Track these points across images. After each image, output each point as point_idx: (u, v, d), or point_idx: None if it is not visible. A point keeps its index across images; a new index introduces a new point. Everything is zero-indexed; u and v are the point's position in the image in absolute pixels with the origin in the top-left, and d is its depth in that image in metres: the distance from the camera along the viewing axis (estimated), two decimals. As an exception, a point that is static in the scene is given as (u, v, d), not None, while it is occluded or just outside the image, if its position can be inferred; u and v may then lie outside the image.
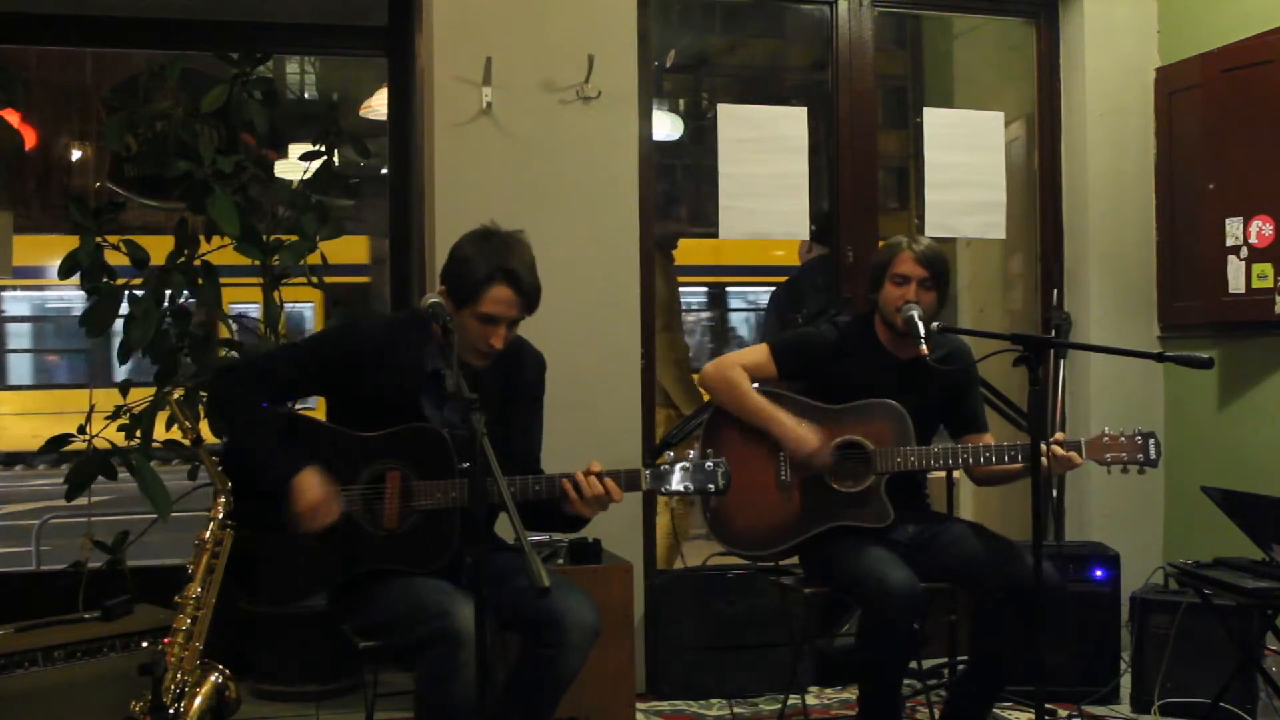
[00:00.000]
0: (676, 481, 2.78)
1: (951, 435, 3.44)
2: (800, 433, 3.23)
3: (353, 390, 2.84)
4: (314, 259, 4.24)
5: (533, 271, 2.81)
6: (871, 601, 3.07)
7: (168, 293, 4.07)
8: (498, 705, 2.67)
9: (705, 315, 15.73)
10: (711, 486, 2.78)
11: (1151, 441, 3.10)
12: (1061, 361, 4.72)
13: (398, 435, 2.80)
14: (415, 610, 2.65)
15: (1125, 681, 4.06)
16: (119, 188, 5.05)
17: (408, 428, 2.80)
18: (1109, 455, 3.10)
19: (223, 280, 4.16)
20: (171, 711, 2.78)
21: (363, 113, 6.06)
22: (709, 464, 2.79)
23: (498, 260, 2.75)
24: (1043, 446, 2.87)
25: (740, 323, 16.01)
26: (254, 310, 4.31)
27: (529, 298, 2.79)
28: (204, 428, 3.20)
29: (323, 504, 2.72)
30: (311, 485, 2.72)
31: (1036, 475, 2.82)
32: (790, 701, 3.85)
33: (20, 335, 15.38)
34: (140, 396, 4.06)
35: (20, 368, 15.35)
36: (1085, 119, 4.73)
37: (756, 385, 3.36)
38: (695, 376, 4.66)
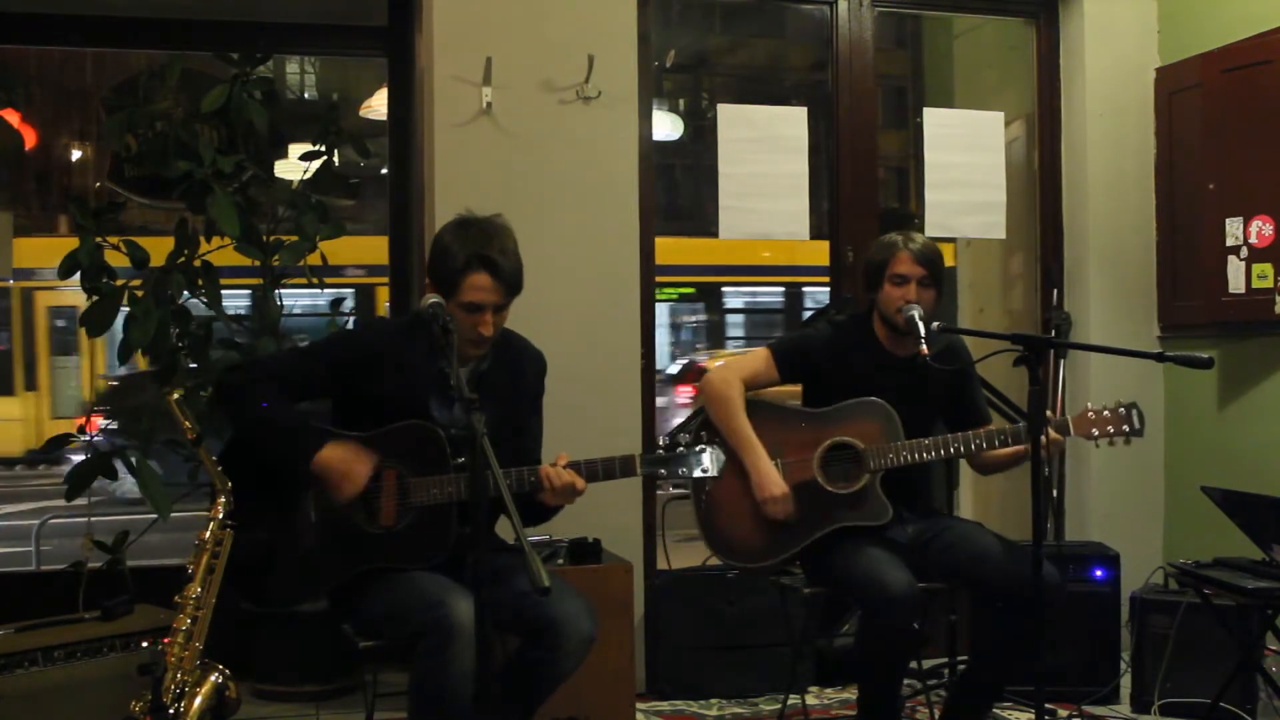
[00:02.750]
0: (670, 465, 2.79)
1: (952, 430, 3.44)
2: (770, 476, 3.22)
3: (360, 393, 2.85)
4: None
5: (510, 255, 2.80)
6: (871, 602, 3.07)
7: (168, 293, 4.07)
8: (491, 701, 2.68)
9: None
10: (704, 470, 2.78)
11: (1135, 412, 3.13)
12: (1061, 361, 4.72)
13: (392, 433, 2.80)
14: (412, 602, 2.66)
15: (1125, 681, 4.06)
16: (119, 188, 5.05)
17: (402, 425, 2.80)
18: (1095, 430, 3.13)
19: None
20: (171, 711, 2.77)
21: (363, 113, 6.05)
22: (701, 448, 2.79)
23: (473, 247, 2.76)
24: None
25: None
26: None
27: (508, 282, 2.79)
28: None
29: (353, 465, 2.73)
30: (335, 453, 2.74)
31: (1037, 476, 2.83)
32: (790, 701, 3.85)
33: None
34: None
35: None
36: (1085, 119, 4.73)
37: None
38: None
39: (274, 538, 2.85)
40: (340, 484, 2.74)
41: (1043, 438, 3.00)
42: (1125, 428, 3.12)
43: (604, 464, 2.80)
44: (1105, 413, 3.13)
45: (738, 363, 3.41)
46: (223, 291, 4.14)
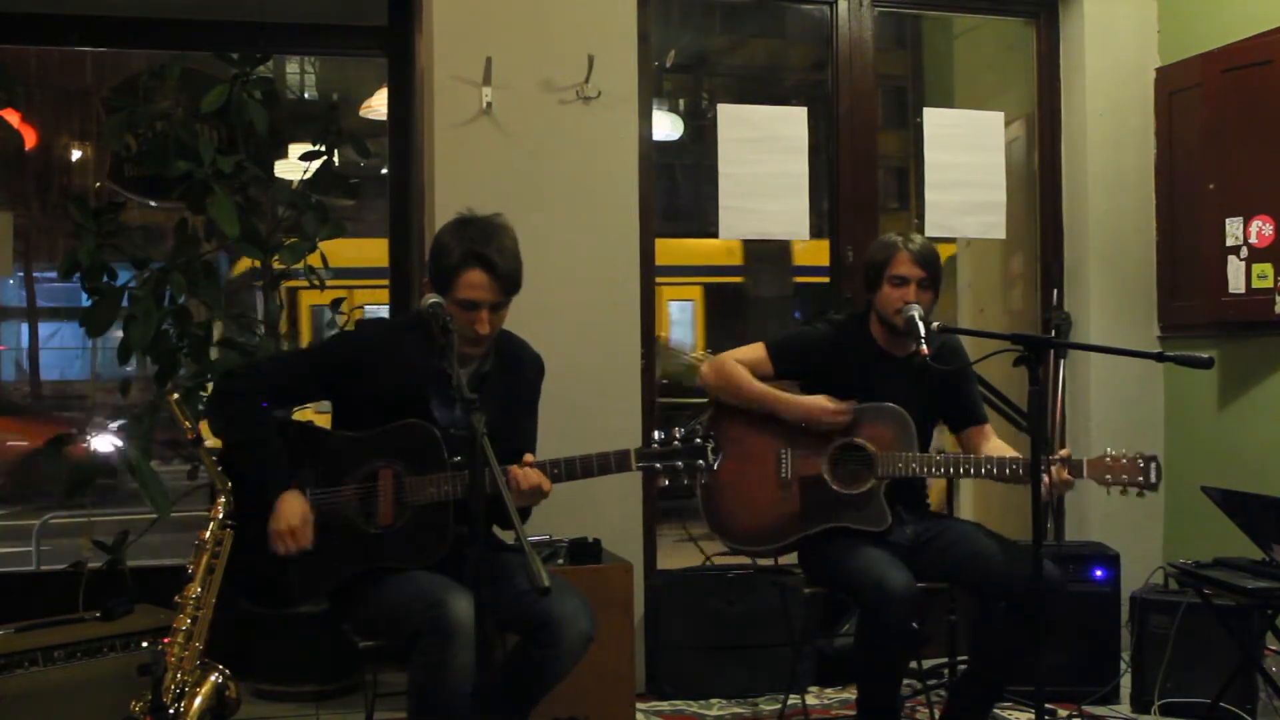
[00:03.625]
0: (666, 458, 2.77)
1: (952, 429, 3.45)
2: (811, 402, 3.24)
3: (359, 394, 2.85)
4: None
5: (508, 254, 2.80)
6: (869, 602, 3.07)
7: (168, 292, 4.07)
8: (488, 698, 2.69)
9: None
10: (701, 463, 2.77)
11: (1153, 465, 3.05)
12: (1061, 361, 4.72)
13: (387, 433, 2.81)
14: (411, 601, 2.67)
15: (1125, 681, 4.06)
16: (119, 188, 5.05)
17: (397, 425, 2.81)
18: (1109, 476, 3.07)
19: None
20: (171, 711, 2.77)
21: (363, 113, 6.05)
22: (698, 441, 2.77)
23: (469, 245, 2.76)
24: (1044, 461, 2.86)
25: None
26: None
27: (504, 280, 2.79)
28: (203, 427, 3.21)
29: (297, 530, 2.75)
30: (291, 510, 2.76)
31: (1036, 476, 2.82)
32: (790, 701, 3.85)
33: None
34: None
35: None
36: (1085, 119, 4.73)
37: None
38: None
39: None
40: (278, 537, 2.76)
41: (1050, 473, 3.00)
42: (1140, 479, 3.05)
43: (599, 459, 2.80)
44: (1124, 460, 3.06)
45: (733, 352, 3.42)
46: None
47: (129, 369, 4.84)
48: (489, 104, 4.11)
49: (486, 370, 2.90)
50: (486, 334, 2.80)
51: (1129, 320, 4.73)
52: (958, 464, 3.24)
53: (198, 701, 2.83)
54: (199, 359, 4.12)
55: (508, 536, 2.95)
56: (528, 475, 2.75)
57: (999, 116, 4.77)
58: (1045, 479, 2.89)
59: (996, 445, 3.35)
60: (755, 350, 3.39)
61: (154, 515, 3.94)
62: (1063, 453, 3.10)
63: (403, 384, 2.84)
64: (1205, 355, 3.02)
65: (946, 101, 5.78)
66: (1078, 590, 4.03)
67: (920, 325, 3.16)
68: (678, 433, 2.79)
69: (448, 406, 2.86)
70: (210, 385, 3.74)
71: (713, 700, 4.18)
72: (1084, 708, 3.99)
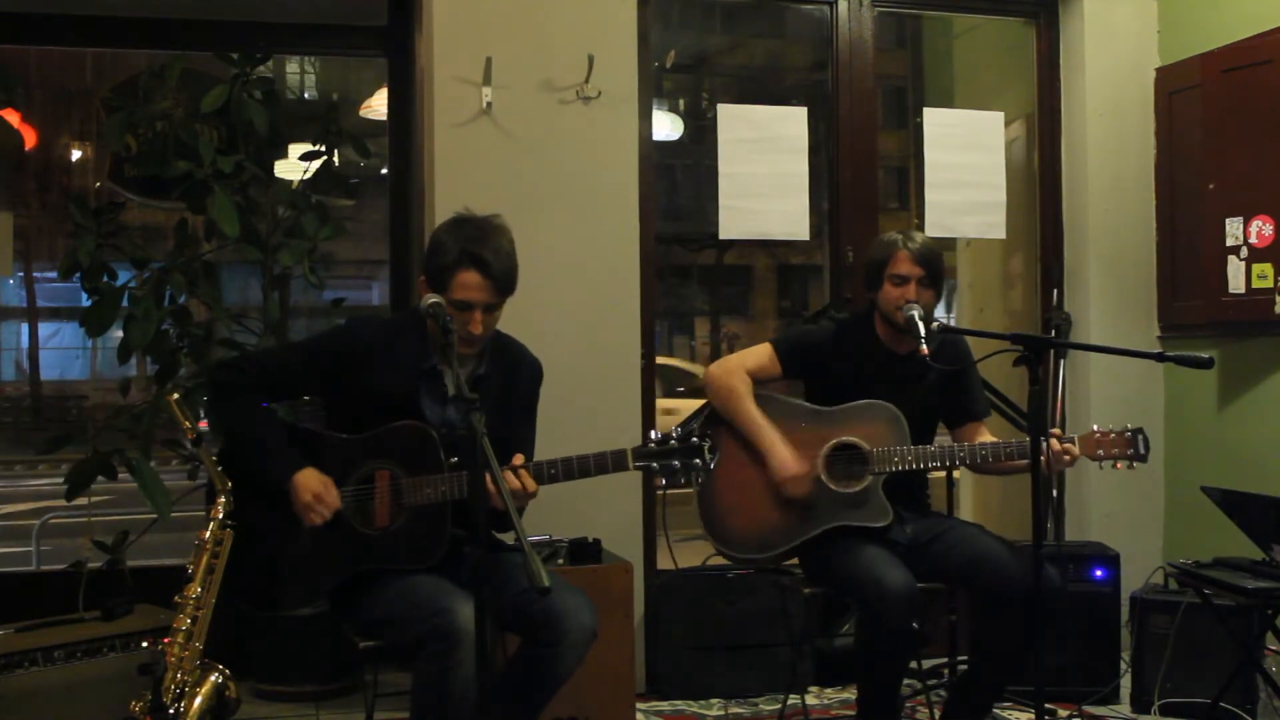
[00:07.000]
0: (663, 458, 2.75)
1: (948, 426, 3.44)
2: (785, 456, 3.22)
3: (350, 391, 2.85)
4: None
5: (503, 255, 2.79)
6: (868, 602, 3.06)
7: (168, 292, 4.08)
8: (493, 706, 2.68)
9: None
10: (698, 462, 2.75)
11: (1140, 437, 3.12)
12: (1061, 361, 4.72)
13: (383, 435, 2.81)
14: (414, 607, 2.66)
15: (1125, 681, 4.06)
16: (119, 188, 5.05)
17: (392, 426, 2.81)
18: (1101, 451, 3.12)
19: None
20: (171, 711, 2.78)
21: (363, 113, 6.06)
22: (695, 440, 2.75)
23: (464, 245, 2.76)
24: (1042, 443, 2.87)
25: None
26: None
27: (499, 281, 2.78)
28: (203, 425, 3.21)
29: (323, 495, 2.75)
30: (308, 481, 2.75)
31: (1036, 476, 2.83)
32: (790, 701, 3.85)
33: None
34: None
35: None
36: (1085, 119, 4.73)
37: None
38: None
39: (270, 540, 2.85)
40: (306, 513, 2.76)
41: (1050, 445, 3.01)
42: (1130, 451, 3.11)
43: (596, 459, 2.79)
44: (1112, 435, 3.12)
45: (740, 356, 3.41)
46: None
47: (129, 369, 4.85)
48: (489, 104, 4.11)
49: (482, 373, 2.89)
50: (479, 335, 2.80)
51: (1129, 320, 4.73)
52: (953, 454, 3.24)
53: (198, 701, 2.84)
54: (199, 359, 4.12)
55: (507, 537, 2.95)
56: (510, 478, 2.71)
57: (999, 116, 4.77)
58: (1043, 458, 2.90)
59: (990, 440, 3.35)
60: (762, 353, 3.39)
61: (154, 515, 3.94)
62: (1055, 432, 3.13)
63: (394, 382, 2.83)
64: (1205, 355, 3.02)
65: (946, 101, 5.78)
66: (1078, 590, 4.04)
67: (920, 325, 3.16)
68: (675, 432, 2.77)
69: (439, 405, 2.86)
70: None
71: (713, 700, 4.18)
72: (1084, 708, 3.99)
